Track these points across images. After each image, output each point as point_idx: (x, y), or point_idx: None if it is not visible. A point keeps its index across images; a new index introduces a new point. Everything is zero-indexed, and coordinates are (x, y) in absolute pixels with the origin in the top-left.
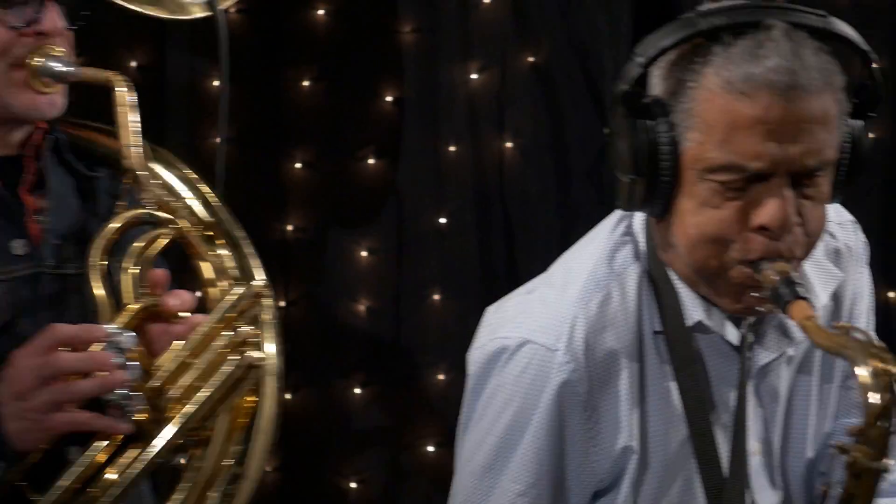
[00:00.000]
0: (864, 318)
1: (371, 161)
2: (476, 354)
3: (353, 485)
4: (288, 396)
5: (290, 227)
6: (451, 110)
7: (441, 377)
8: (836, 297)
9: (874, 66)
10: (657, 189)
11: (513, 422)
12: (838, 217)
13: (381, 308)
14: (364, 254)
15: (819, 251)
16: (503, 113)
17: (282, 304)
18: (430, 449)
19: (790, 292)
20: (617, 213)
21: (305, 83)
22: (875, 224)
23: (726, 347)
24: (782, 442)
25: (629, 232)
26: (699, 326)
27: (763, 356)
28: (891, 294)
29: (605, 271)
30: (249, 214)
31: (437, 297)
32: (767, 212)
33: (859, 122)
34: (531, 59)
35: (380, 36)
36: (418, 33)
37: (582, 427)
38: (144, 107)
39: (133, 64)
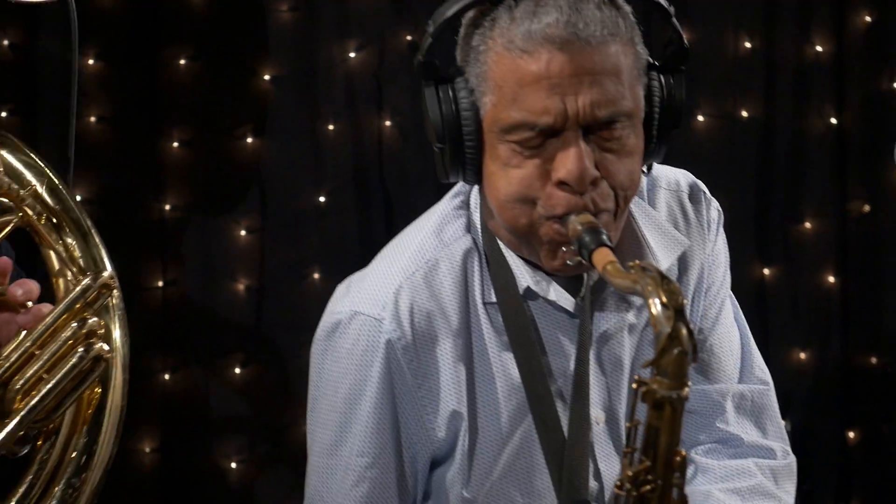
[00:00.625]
0: (717, 284)
1: (249, 140)
2: (317, 333)
3: (233, 465)
4: (167, 377)
5: (167, 207)
6: (329, 89)
7: None
8: (683, 263)
9: (674, 20)
10: (464, 156)
11: (350, 394)
12: (687, 184)
13: (260, 287)
14: (243, 233)
15: (663, 216)
16: (381, 91)
17: (160, 284)
18: None
19: (592, 240)
20: (456, 187)
21: (182, 61)
22: (749, 202)
23: (562, 315)
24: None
25: (464, 205)
26: (529, 293)
27: (602, 323)
28: (766, 271)
29: (434, 243)
30: (127, 194)
31: (316, 275)
32: (563, 166)
33: (668, 77)
34: (409, 38)
35: (257, 14)
36: (296, 11)
37: (413, 394)
38: (16, 85)
39: (5, 42)
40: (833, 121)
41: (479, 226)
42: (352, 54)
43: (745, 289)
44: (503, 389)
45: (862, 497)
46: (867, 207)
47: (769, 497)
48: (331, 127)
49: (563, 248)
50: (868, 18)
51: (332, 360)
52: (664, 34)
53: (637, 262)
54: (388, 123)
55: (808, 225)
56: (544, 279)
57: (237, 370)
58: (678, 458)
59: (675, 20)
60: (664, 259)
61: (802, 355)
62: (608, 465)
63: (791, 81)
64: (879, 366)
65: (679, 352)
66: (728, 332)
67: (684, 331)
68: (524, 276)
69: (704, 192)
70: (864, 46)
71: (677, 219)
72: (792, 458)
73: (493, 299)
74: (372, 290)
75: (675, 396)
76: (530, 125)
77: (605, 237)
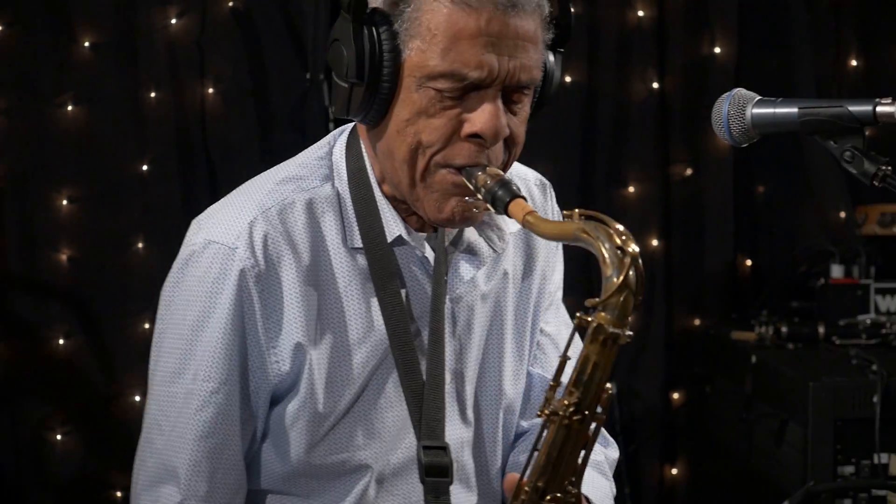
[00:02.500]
0: (554, 284)
1: (70, 108)
2: (171, 269)
3: (58, 437)
4: None
5: None
6: (150, 56)
7: (146, 326)
8: (531, 251)
9: (567, 3)
10: (376, 95)
11: (199, 320)
12: (537, 178)
13: (83, 257)
14: (65, 202)
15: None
16: (204, 58)
17: None
18: (137, 399)
19: (507, 192)
20: (322, 141)
21: (0, 28)
22: (573, 167)
23: (426, 266)
24: (477, 378)
25: (329, 154)
26: (399, 240)
27: (457, 285)
28: None
29: (292, 186)
30: None
31: (140, 245)
32: (482, 120)
33: (552, 56)
34: (231, 4)
35: None
36: None
37: (262, 324)
38: None
39: None
40: (655, 85)
41: (345, 174)
42: (173, 21)
43: (572, 253)
44: (357, 331)
45: (686, 457)
46: (689, 171)
47: (603, 475)
48: (153, 94)
49: (461, 200)
50: None
51: (183, 288)
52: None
53: (576, 210)
54: (210, 91)
55: (631, 189)
56: (413, 230)
57: (61, 341)
58: (605, 395)
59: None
60: (508, 229)
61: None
62: (452, 429)
63: (614, 47)
64: (702, 327)
65: (627, 294)
66: (559, 331)
67: (634, 275)
68: (397, 225)
69: (551, 191)
70: (685, 12)
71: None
72: (617, 453)
73: (359, 244)
74: (227, 221)
75: (620, 334)
76: (460, 76)
77: (516, 188)
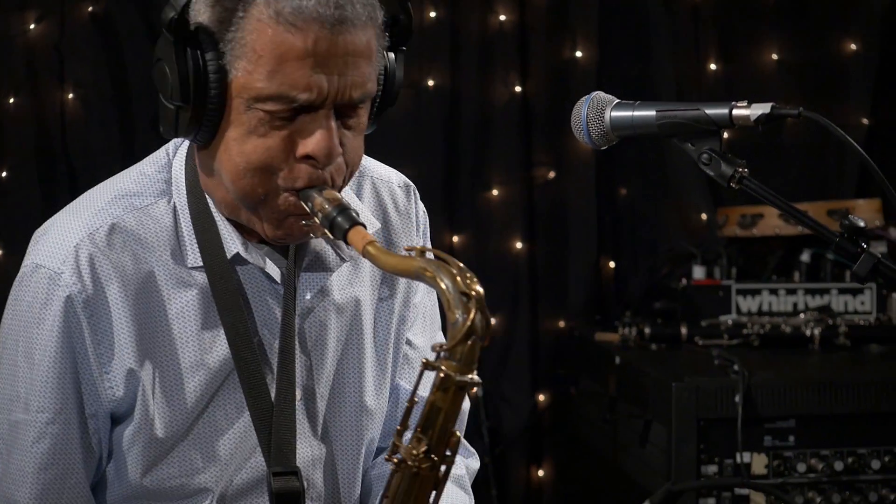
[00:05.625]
0: (421, 293)
1: None
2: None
3: None
4: None
5: None
6: (8, 61)
7: None
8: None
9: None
10: (203, 117)
11: (28, 348)
12: (400, 180)
13: None
14: None
15: (365, 204)
16: (63, 64)
17: None
18: None
19: (346, 219)
20: (162, 150)
21: None
22: (437, 170)
23: (270, 283)
24: (332, 394)
25: (164, 168)
26: (238, 258)
27: (307, 298)
28: (455, 238)
29: (123, 204)
30: None
31: (1, 252)
32: (314, 142)
33: (392, 56)
34: (90, 9)
35: None
36: None
37: (93, 350)
38: None
39: None
40: (518, 89)
41: (183, 188)
42: (31, 26)
43: None
44: (192, 354)
45: (553, 458)
46: (552, 174)
47: (463, 489)
48: (11, 100)
49: (298, 220)
50: None
51: (13, 313)
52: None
53: (417, 246)
54: (70, 96)
55: (495, 192)
56: (254, 246)
57: None
58: (454, 439)
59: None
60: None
61: (493, 320)
62: (303, 446)
63: (475, 51)
64: (566, 329)
65: (474, 340)
66: (429, 343)
67: (481, 319)
68: (234, 242)
69: (416, 193)
70: (546, 16)
71: (387, 208)
72: (478, 464)
73: (198, 263)
74: (54, 243)
75: (468, 380)
76: (288, 99)
77: (355, 215)
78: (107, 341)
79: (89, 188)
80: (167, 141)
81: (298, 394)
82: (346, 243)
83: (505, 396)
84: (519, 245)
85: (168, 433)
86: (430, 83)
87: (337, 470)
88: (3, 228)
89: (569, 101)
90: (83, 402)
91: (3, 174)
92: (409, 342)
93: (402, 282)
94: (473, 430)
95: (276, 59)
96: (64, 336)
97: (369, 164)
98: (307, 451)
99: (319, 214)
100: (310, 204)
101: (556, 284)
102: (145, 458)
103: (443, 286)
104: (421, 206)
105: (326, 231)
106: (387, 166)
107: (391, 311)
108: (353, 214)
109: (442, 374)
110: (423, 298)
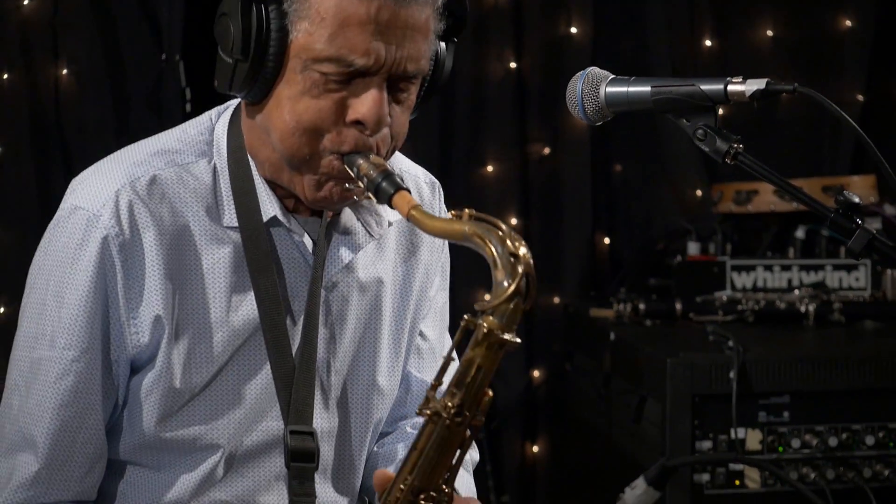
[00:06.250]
0: (434, 287)
1: None
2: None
3: None
4: None
5: None
6: (2, 37)
7: (1, 310)
8: (413, 247)
9: None
10: (260, 73)
11: (60, 286)
12: (428, 177)
13: None
14: None
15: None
16: (57, 39)
17: None
18: None
19: (391, 184)
20: (205, 115)
21: None
22: (432, 147)
23: (301, 249)
24: (348, 370)
25: (210, 129)
26: (274, 221)
27: (333, 273)
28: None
29: (166, 159)
30: None
31: None
32: (365, 107)
33: (443, 45)
34: None
35: None
36: None
37: (123, 294)
38: None
39: None
40: (512, 65)
41: (224, 151)
42: (25, 2)
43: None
44: (220, 310)
45: (547, 434)
46: (547, 150)
47: (467, 472)
48: (5, 76)
49: (340, 183)
50: None
51: (48, 253)
52: None
53: (466, 210)
54: (65, 72)
55: (490, 168)
56: (293, 218)
57: None
58: (486, 398)
59: None
60: (387, 216)
61: (487, 297)
62: (315, 414)
63: (470, 27)
64: (561, 305)
65: (517, 302)
66: (440, 337)
67: (526, 282)
68: (272, 205)
69: (441, 191)
70: None
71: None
72: (478, 456)
73: (234, 223)
74: (94, 188)
75: (508, 339)
76: (346, 62)
77: (400, 181)
78: (138, 286)
79: (83, 165)
80: (163, 117)
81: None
82: (391, 207)
83: (500, 373)
84: (514, 221)
85: (186, 385)
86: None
87: (344, 444)
88: None
89: (564, 77)
90: (110, 344)
91: None
92: (421, 334)
93: (421, 270)
94: None
95: (338, 22)
96: (98, 276)
97: (399, 158)
98: (318, 422)
99: (365, 179)
100: (355, 169)
101: (551, 260)
102: (161, 408)
103: (491, 248)
104: (444, 206)
105: (370, 195)
106: (415, 163)
107: (409, 297)
108: (398, 180)
109: (485, 329)
110: (437, 294)
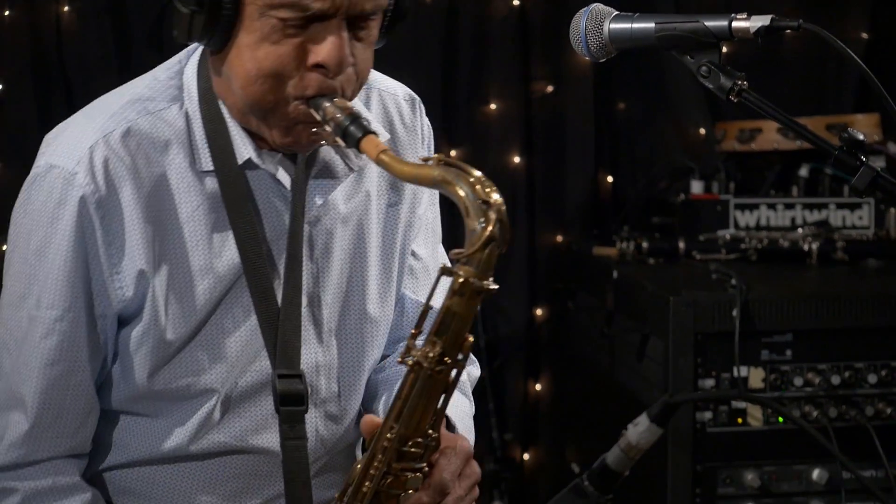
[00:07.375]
0: (424, 205)
1: None
2: (22, 187)
3: None
4: None
5: None
6: None
7: (5, 248)
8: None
9: None
10: (217, 22)
11: (41, 246)
12: (406, 93)
13: None
14: None
15: (373, 115)
16: None
17: None
18: None
19: (358, 128)
20: (175, 58)
21: None
22: (434, 85)
23: (280, 189)
24: (340, 303)
25: (179, 73)
26: (249, 164)
27: (315, 208)
28: (453, 153)
29: (137, 107)
30: None
31: None
32: (325, 50)
33: None
34: None
35: None
36: None
37: (104, 250)
38: None
39: None
40: (516, 2)
41: (195, 95)
42: None
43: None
44: (202, 257)
45: (550, 372)
46: (550, 88)
47: (464, 394)
48: (6, 13)
49: (307, 128)
50: None
51: (25, 212)
52: None
53: (437, 155)
54: (66, 9)
55: (493, 106)
56: (266, 153)
57: None
58: (466, 343)
59: None
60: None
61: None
62: (307, 350)
63: None
64: (564, 243)
65: (492, 247)
66: (433, 254)
67: (500, 227)
68: (246, 147)
69: (421, 106)
70: None
71: (393, 121)
72: (478, 371)
73: (209, 168)
74: (68, 145)
75: (485, 286)
76: (302, 7)
77: (367, 124)
78: (118, 242)
79: (85, 102)
80: (164, 54)
81: (304, 300)
82: (359, 151)
83: (503, 311)
84: (517, 159)
85: (176, 334)
86: None
87: (339, 376)
88: (0, 141)
89: (567, 13)
90: (93, 302)
91: None
92: (413, 253)
93: (408, 190)
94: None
95: None
96: (76, 236)
97: (376, 76)
98: (311, 356)
99: (331, 123)
100: (321, 112)
101: (554, 198)
102: (152, 359)
103: (461, 194)
104: (426, 119)
105: (338, 139)
106: (392, 80)
107: (397, 220)
108: (365, 123)
109: (461, 279)
110: (427, 210)
